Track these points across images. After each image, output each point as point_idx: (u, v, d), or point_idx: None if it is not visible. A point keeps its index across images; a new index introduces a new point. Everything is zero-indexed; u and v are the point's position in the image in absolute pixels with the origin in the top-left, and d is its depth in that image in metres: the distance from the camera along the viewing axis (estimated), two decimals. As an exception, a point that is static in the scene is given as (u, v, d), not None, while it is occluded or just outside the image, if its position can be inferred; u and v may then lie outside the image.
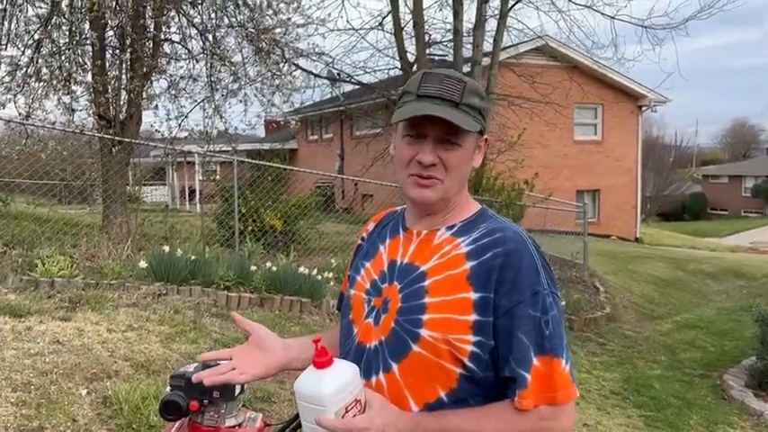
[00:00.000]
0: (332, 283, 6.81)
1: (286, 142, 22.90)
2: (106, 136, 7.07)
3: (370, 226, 1.47)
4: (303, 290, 6.21)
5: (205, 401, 2.74)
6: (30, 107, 8.06)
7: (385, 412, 1.14)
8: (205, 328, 4.92)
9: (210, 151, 9.14)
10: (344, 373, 1.14)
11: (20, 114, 8.06)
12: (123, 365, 3.90)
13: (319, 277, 6.50)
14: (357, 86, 13.62)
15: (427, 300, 1.19)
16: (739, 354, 7.05)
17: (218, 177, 11.32)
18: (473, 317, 1.15)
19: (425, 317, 1.18)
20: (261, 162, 8.53)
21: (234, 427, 2.82)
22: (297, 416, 2.99)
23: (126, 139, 7.15)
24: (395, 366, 1.20)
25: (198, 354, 4.37)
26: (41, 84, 7.80)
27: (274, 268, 6.28)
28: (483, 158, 1.34)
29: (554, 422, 1.14)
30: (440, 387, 1.17)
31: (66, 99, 7.95)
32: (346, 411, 1.11)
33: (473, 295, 1.16)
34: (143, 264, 5.54)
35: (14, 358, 3.61)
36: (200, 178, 20.81)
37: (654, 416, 5.28)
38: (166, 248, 5.77)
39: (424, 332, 1.17)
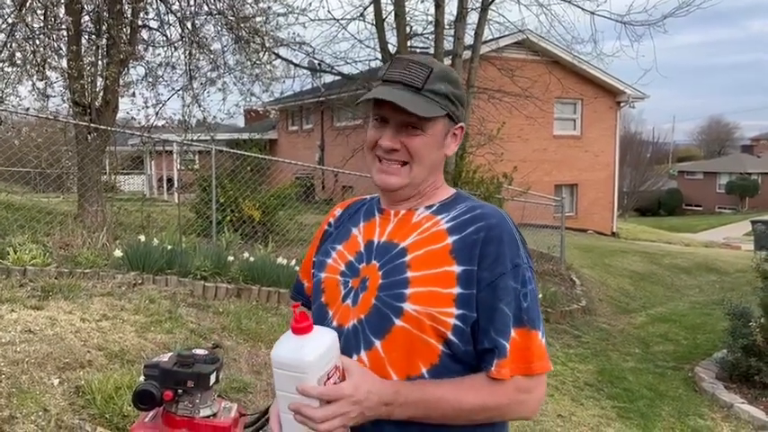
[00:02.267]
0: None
1: (266, 132, 22.75)
2: (81, 123, 6.94)
3: (337, 211, 1.48)
4: (281, 281, 6.18)
5: (179, 391, 2.73)
6: (2, 92, 7.88)
7: (367, 379, 1.14)
8: (181, 318, 4.87)
9: (188, 140, 9.03)
10: (325, 338, 1.12)
11: (-8, 99, 7.88)
12: (97, 355, 3.85)
13: (297, 268, 6.46)
14: (338, 77, 13.56)
15: (409, 274, 1.20)
16: (711, 347, 7.18)
17: (196, 166, 11.21)
18: (456, 290, 1.16)
19: (408, 291, 1.18)
20: (239, 152, 8.45)
21: (209, 417, 2.80)
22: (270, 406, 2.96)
23: (102, 127, 7.03)
24: (377, 343, 1.19)
25: (173, 344, 4.34)
26: (15, 69, 7.62)
27: (252, 259, 6.24)
28: (461, 148, 1.34)
29: (528, 394, 1.17)
30: (422, 363, 1.17)
31: (41, 85, 7.79)
32: (328, 378, 1.08)
33: (456, 269, 1.17)
34: (118, 253, 5.47)
35: (-16, 347, 3.55)
36: (179, 167, 20.59)
37: (627, 407, 5.36)
38: (142, 238, 5.70)
39: (407, 306, 1.17)
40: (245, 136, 16.28)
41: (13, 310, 4.15)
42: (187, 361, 2.77)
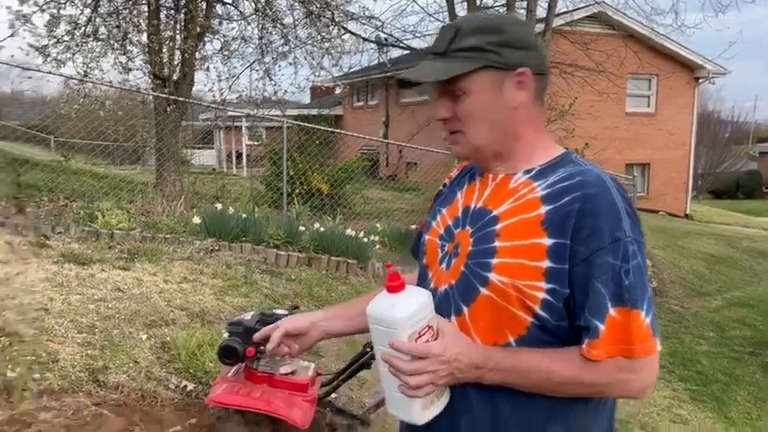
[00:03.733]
0: (377, 247, 6.88)
1: (331, 108, 22.94)
2: (162, 95, 7.21)
3: (454, 173, 1.46)
4: (350, 251, 6.29)
5: (261, 348, 2.85)
6: (87, 66, 8.26)
7: (458, 342, 1.14)
8: (256, 283, 5.05)
9: (260, 115, 9.24)
10: (417, 297, 1.15)
11: (78, 73, 8.28)
12: (180, 314, 4.05)
13: (366, 240, 6.57)
14: (406, 52, 13.49)
15: (497, 244, 1.16)
16: (792, 333, 6.88)
17: (265, 141, 11.46)
18: (546, 263, 1.11)
19: (494, 261, 1.15)
20: (310, 125, 8.59)
21: (288, 374, 2.92)
22: (347, 366, 3.05)
23: (180, 99, 7.28)
24: (465, 309, 1.19)
25: (249, 307, 4.51)
26: (99, 43, 7.97)
27: (322, 229, 6.37)
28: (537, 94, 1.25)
29: (632, 374, 1.10)
30: (509, 333, 1.15)
31: (123, 59, 8.12)
32: (419, 336, 1.11)
33: (547, 241, 1.11)
34: (197, 220, 5.69)
35: (79, 303, 3.79)
36: (248, 142, 21.09)
37: (700, 390, 5.22)
38: (219, 206, 5.91)
39: (492, 276, 1.15)
40: (314, 112, 16.48)
41: (103, 270, 4.40)
42: (268, 319, 2.88)
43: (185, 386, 3.28)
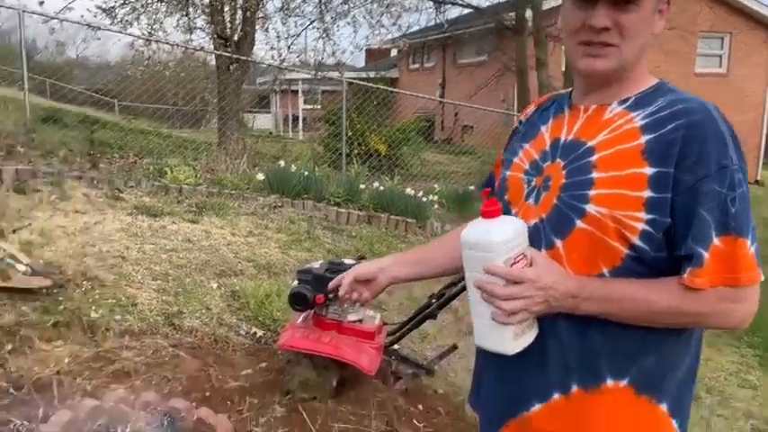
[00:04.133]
0: (436, 207, 6.88)
1: (387, 71, 22.77)
2: (225, 53, 7.31)
3: (530, 110, 1.43)
4: (409, 210, 6.31)
5: (330, 296, 2.91)
6: (152, 27, 8.42)
7: (553, 270, 1.13)
8: (318, 238, 5.13)
9: (318, 76, 9.26)
10: (512, 224, 1.14)
11: (143, 34, 8.45)
12: (247, 266, 4.16)
13: (425, 199, 6.57)
14: (464, 11, 13.20)
15: (595, 175, 1.14)
16: None
17: (318, 106, 11.50)
18: (647, 193, 1.08)
19: (592, 192, 1.13)
20: (369, 83, 8.55)
21: (355, 322, 2.98)
22: (412, 317, 3.07)
23: (243, 57, 7.37)
24: (558, 242, 1.17)
25: (313, 261, 4.59)
26: (163, 4, 8.11)
27: (381, 188, 6.39)
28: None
29: (735, 304, 1.08)
30: (603, 264, 1.13)
31: (185, 19, 8.24)
32: (514, 262, 1.10)
33: (648, 170, 1.09)
34: (260, 176, 5.80)
35: (153, 252, 3.94)
36: (304, 106, 21.21)
37: (769, 357, 5.06)
38: (281, 163, 6.00)
39: (590, 208, 1.12)
40: (371, 74, 16.40)
41: (173, 222, 4.56)
42: (337, 268, 2.94)
43: (255, 332, 3.40)
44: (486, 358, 1.31)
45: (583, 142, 1.20)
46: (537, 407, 1.21)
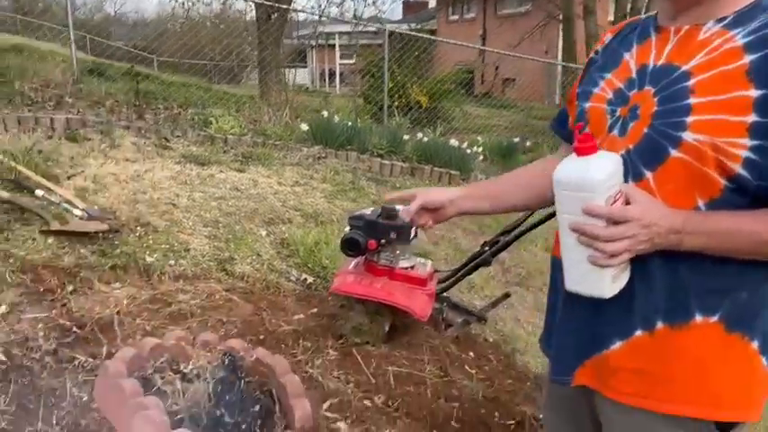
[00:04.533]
0: (480, 158, 6.76)
1: (425, 23, 22.30)
2: (266, 2, 7.22)
3: (607, 37, 1.34)
4: (452, 162, 6.22)
5: (382, 242, 2.88)
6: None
7: (655, 206, 1.06)
8: (363, 189, 5.11)
9: (357, 28, 9.09)
10: (609, 160, 1.07)
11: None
12: (295, 214, 4.17)
13: (468, 151, 6.46)
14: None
15: (692, 100, 1.06)
16: None
17: (354, 61, 11.34)
18: (752, 118, 1.01)
19: (690, 119, 1.05)
20: (411, 32, 8.36)
21: (406, 268, 2.96)
22: (465, 264, 3.03)
23: (284, 6, 7.26)
24: (648, 174, 1.10)
25: (356, 209, 4.58)
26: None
27: (425, 139, 6.30)
28: None
29: None
30: (699, 196, 1.07)
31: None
32: (614, 200, 1.04)
33: (754, 93, 1.01)
34: (304, 127, 5.77)
35: (202, 200, 3.97)
36: (341, 61, 20.99)
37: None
38: (325, 113, 5.95)
39: (687, 136, 1.05)
40: (412, 25, 16.08)
41: (221, 171, 4.57)
42: (390, 213, 2.91)
43: (305, 279, 3.42)
44: (563, 299, 1.26)
45: (676, 66, 1.12)
46: (617, 344, 1.16)
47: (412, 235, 2.92)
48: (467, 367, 2.79)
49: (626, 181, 1.12)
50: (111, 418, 1.97)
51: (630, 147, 1.14)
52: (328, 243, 3.75)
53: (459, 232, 4.78)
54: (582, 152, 1.07)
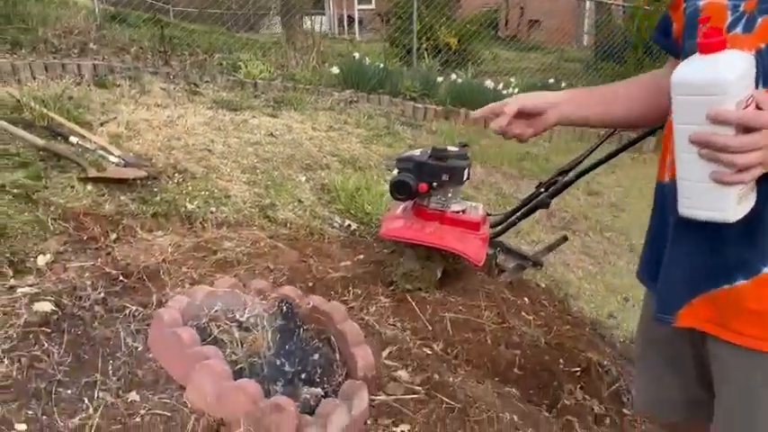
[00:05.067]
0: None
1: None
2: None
3: None
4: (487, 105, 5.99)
5: (434, 184, 2.74)
6: None
7: None
8: (398, 134, 4.94)
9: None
10: (742, 57, 0.89)
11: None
12: (332, 160, 4.03)
13: (505, 92, 6.22)
14: None
15: None
16: None
17: (373, 6, 10.94)
18: None
19: None
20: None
21: (458, 212, 2.82)
22: (520, 206, 2.88)
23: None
24: None
25: (395, 155, 4.42)
26: None
27: (459, 80, 6.07)
28: None
29: None
30: None
31: None
32: (746, 105, 0.88)
33: None
34: (335, 70, 5.57)
35: (238, 145, 3.85)
36: (360, 7, 20.42)
37: None
38: (356, 55, 5.73)
39: None
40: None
41: (254, 116, 4.43)
42: (442, 155, 2.76)
43: (348, 225, 3.31)
44: (673, 227, 1.11)
45: None
46: (741, 282, 1.03)
47: (465, 176, 2.78)
48: (523, 313, 2.68)
49: (755, 86, 0.96)
50: (168, 367, 1.90)
51: (762, 46, 0.97)
52: (369, 189, 3.62)
53: (499, 176, 4.62)
54: (708, 49, 0.89)
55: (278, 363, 1.91)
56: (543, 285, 3.14)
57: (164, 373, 1.89)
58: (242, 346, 1.91)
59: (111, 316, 2.11)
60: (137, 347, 1.97)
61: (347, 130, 4.68)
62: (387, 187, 3.83)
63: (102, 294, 2.20)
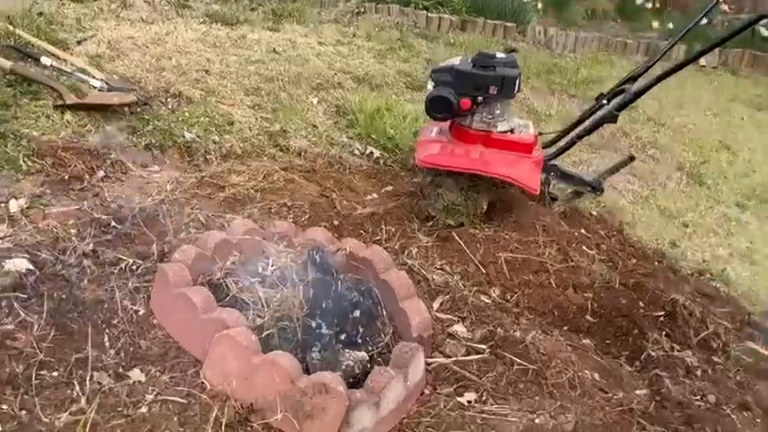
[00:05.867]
0: (540, 8, 5.94)
1: None
2: None
3: None
4: (506, 13, 5.45)
5: (479, 99, 2.29)
6: None
7: None
8: (413, 47, 4.43)
9: None
10: None
11: None
12: (344, 78, 3.56)
13: (525, 0, 5.64)
14: None
15: None
16: None
17: None
18: None
19: None
20: None
21: (506, 132, 2.38)
22: (578, 121, 2.44)
23: None
24: None
25: (414, 72, 3.94)
26: None
27: (476, -13, 5.46)
28: None
29: None
30: None
31: None
32: None
33: None
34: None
35: (238, 64, 3.36)
36: None
37: None
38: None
39: None
40: None
41: (252, 31, 3.91)
42: (488, 62, 2.30)
43: (371, 152, 2.88)
44: None
45: None
46: None
47: (516, 88, 2.34)
48: (585, 248, 2.31)
49: None
50: (179, 337, 1.54)
51: None
52: (390, 109, 3.18)
53: (526, 91, 4.14)
54: None
55: (313, 325, 1.55)
56: (595, 214, 2.75)
57: (173, 343, 1.53)
58: (268, 306, 1.53)
59: (104, 272, 1.73)
60: (137, 312, 1.60)
61: (357, 44, 4.16)
62: (409, 108, 3.41)
63: (91, 245, 1.82)
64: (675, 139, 3.94)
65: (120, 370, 1.43)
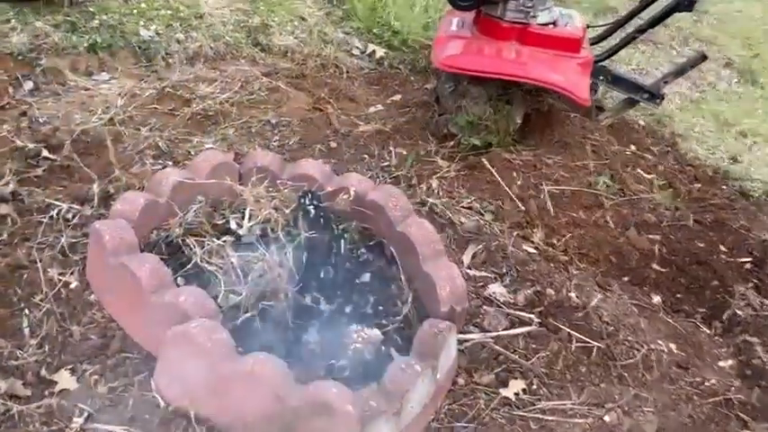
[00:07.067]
0: None
1: None
2: None
3: None
4: None
5: (515, -20, 1.76)
6: None
7: None
8: None
9: None
10: None
11: None
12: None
13: None
14: None
15: None
16: None
17: None
18: None
19: None
20: None
21: (547, 24, 1.91)
22: (633, 13, 1.95)
23: None
24: None
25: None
26: None
27: None
28: None
29: None
30: None
31: None
32: None
33: None
34: None
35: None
36: None
37: None
38: None
39: None
40: None
41: None
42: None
43: (373, 51, 2.39)
44: None
45: None
46: None
47: (562, -33, 1.80)
48: (640, 171, 1.87)
49: None
50: (124, 323, 1.12)
51: None
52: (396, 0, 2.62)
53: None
54: None
55: (308, 301, 1.14)
56: (643, 124, 2.29)
57: (116, 330, 1.12)
58: (245, 278, 1.11)
59: (28, 223, 1.30)
60: (68, 285, 1.18)
61: None
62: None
63: (12, 185, 1.37)
64: (720, 29, 3.39)
65: (43, 372, 1.03)
